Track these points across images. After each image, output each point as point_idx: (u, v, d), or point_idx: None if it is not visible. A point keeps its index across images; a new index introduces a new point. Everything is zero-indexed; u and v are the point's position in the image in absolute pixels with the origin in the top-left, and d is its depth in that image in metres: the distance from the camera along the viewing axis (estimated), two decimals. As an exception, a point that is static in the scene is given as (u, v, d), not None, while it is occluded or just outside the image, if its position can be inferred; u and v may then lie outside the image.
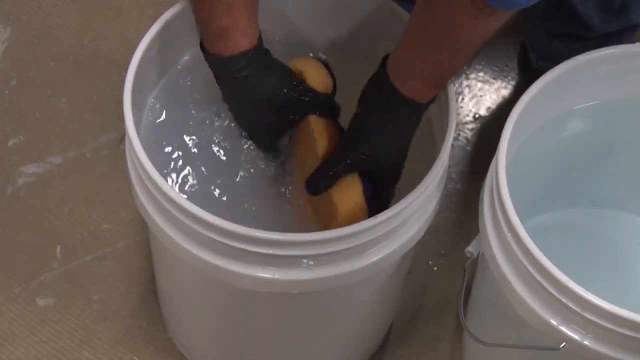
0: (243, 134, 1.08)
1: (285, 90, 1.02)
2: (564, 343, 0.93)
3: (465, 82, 1.47)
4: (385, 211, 0.94)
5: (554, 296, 0.92)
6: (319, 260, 0.96)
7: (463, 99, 1.46)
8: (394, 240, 0.99)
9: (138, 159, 0.95)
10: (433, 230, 1.31)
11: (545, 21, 1.30)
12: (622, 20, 1.27)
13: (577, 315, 0.91)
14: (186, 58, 1.11)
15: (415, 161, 1.08)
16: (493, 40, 1.48)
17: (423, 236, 1.04)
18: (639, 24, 1.29)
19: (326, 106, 1.05)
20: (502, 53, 1.49)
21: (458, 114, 1.43)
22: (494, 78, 1.48)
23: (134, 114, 0.97)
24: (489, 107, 1.46)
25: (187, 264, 0.97)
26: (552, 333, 0.94)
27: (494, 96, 1.47)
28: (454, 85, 1.45)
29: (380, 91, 0.99)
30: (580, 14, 1.24)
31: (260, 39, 1.01)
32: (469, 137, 1.43)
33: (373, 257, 0.98)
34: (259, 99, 1.02)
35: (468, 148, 1.42)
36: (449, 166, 1.38)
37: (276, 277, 0.95)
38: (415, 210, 0.98)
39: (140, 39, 1.02)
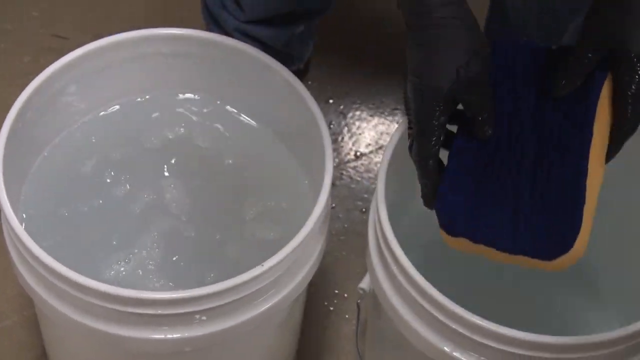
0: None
1: None
2: (459, 368, 0.95)
3: (343, 122, 1.49)
4: (270, 259, 0.95)
5: (444, 323, 0.93)
6: (212, 314, 0.95)
7: (343, 138, 1.48)
8: (283, 286, 0.99)
9: (13, 230, 0.93)
10: (325, 271, 1.33)
11: None
12: None
13: (467, 339, 0.92)
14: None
15: (296, 205, 1.09)
16: (369, 78, 1.52)
17: (316, 278, 1.04)
18: None
19: None
20: (375, 91, 1.52)
21: (339, 154, 1.45)
22: (371, 115, 1.51)
23: (11, 188, 0.96)
24: (369, 144, 1.48)
25: (75, 333, 0.96)
26: (447, 360, 0.95)
27: (372, 132, 1.49)
28: (330, 127, 1.47)
29: None
30: None
31: None
32: (352, 175, 1.45)
33: (264, 305, 0.98)
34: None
35: (352, 186, 1.43)
36: (334, 206, 1.40)
37: (168, 336, 0.95)
38: (300, 254, 0.99)
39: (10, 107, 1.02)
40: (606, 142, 0.91)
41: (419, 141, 0.90)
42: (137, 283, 1.05)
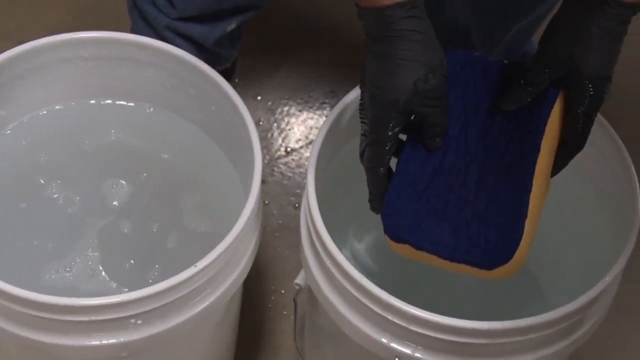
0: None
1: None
2: (396, 359, 0.95)
3: (272, 118, 1.49)
4: (203, 259, 0.94)
5: (380, 315, 0.93)
6: (147, 317, 0.95)
7: (272, 134, 1.48)
8: (218, 285, 0.99)
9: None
10: (261, 268, 1.33)
11: None
12: None
13: (404, 329, 0.93)
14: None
15: (229, 200, 1.09)
16: (296, 73, 1.53)
17: (252, 275, 1.04)
18: None
19: None
20: (304, 84, 1.52)
21: (269, 150, 1.45)
22: (300, 110, 1.51)
23: None
24: (299, 139, 1.48)
25: (9, 344, 0.95)
26: (385, 351, 0.95)
27: (302, 127, 1.49)
28: (259, 124, 1.47)
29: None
30: None
31: None
32: (283, 171, 1.45)
33: (200, 305, 0.98)
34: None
35: (284, 182, 1.44)
36: (268, 203, 1.40)
37: (104, 342, 0.94)
38: (233, 253, 0.99)
39: None
40: (553, 157, 0.92)
41: (372, 149, 0.91)
42: (78, 286, 1.04)
